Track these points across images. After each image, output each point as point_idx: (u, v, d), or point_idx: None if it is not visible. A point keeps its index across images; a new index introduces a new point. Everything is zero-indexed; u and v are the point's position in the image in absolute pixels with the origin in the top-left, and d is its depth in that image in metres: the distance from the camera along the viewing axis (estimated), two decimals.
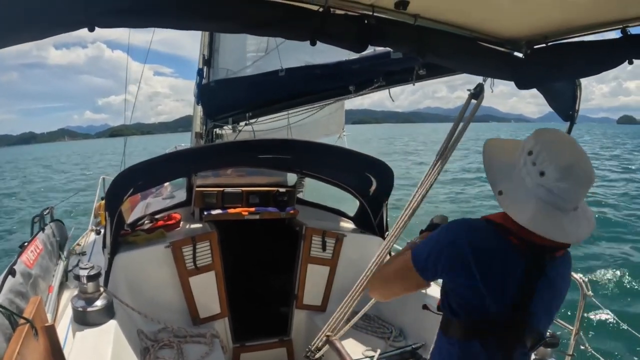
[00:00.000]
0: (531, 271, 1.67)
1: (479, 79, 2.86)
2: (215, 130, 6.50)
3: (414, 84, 3.96)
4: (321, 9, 1.84)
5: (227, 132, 6.57)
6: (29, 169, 53.70)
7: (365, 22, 1.97)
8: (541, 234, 1.60)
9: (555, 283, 1.73)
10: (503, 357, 1.71)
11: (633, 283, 9.35)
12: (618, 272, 9.91)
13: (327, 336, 3.35)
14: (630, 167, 33.25)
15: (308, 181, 5.69)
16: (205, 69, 6.44)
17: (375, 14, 1.97)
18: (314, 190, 6.05)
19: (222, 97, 5.71)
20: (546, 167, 1.58)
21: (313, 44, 1.87)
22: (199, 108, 6.43)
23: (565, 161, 1.57)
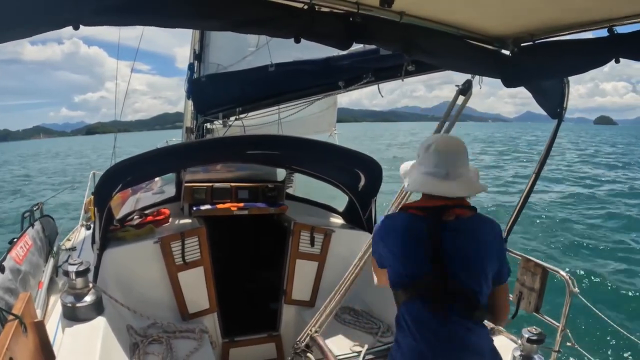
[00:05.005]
0: (433, 228, 2.09)
1: (462, 77, 2.88)
2: (205, 125, 6.50)
3: (402, 80, 3.97)
4: (306, 7, 1.85)
5: (217, 127, 6.56)
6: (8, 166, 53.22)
7: (351, 19, 1.98)
8: (420, 190, 2.24)
9: (464, 237, 2.10)
10: (435, 310, 2.04)
11: (619, 280, 9.41)
12: (604, 270, 9.98)
13: (310, 334, 3.37)
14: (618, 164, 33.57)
15: (301, 177, 5.69)
16: (196, 63, 6.44)
17: (360, 12, 1.97)
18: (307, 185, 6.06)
19: (213, 92, 5.69)
20: (420, 152, 2.25)
21: (297, 41, 1.88)
22: (190, 103, 6.41)
23: (427, 143, 2.23)
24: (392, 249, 2.19)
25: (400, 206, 3.22)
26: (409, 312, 2.10)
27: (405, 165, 2.39)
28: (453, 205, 2.14)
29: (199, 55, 6.46)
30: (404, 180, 2.34)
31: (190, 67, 6.33)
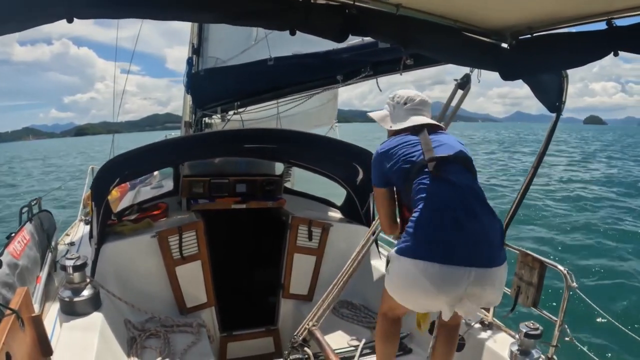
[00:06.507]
0: (424, 137, 2.72)
1: (456, 76, 2.89)
2: (204, 119, 6.48)
3: (401, 74, 3.96)
4: None
5: (216, 122, 6.55)
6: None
7: (347, 11, 1.96)
8: (417, 123, 2.80)
9: (443, 138, 2.76)
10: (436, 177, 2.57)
11: (617, 275, 9.39)
12: (603, 264, 9.95)
13: (307, 328, 3.37)
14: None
15: (300, 171, 5.68)
16: (194, 58, 6.41)
17: (356, 4, 1.96)
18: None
19: (211, 86, 5.68)
20: (404, 100, 2.90)
21: (293, 34, 1.87)
22: (188, 97, 6.39)
23: (408, 94, 2.92)
24: (395, 158, 2.70)
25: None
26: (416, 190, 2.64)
27: (379, 115, 3.02)
28: (434, 127, 2.85)
29: (197, 49, 6.43)
30: (385, 124, 2.96)
31: (189, 61, 6.30)
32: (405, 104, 2.88)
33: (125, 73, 7.50)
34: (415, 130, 2.78)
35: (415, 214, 2.50)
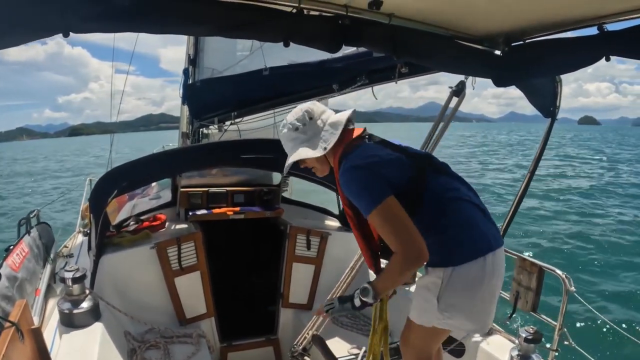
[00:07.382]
0: (382, 141, 2.45)
1: (451, 78, 2.89)
2: (201, 130, 6.49)
3: (396, 82, 3.96)
4: (294, 10, 1.85)
5: (213, 132, 6.56)
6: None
7: (339, 22, 1.98)
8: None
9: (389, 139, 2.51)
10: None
11: (615, 279, 9.39)
12: (601, 268, 9.96)
13: (314, 334, 3.37)
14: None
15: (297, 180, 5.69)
16: (190, 68, 6.43)
17: (349, 14, 1.98)
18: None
19: (208, 97, 5.69)
20: (325, 118, 2.46)
21: (287, 45, 1.88)
22: (185, 108, 6.40)
23: (305, 114, 2.48)
24: (386, 169, 2.26)
25: None
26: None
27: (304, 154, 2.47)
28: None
29: (193, 60, 6.45)
30: (320, 148, 2.43)
31: (185, 72, 6.32)
32: (305, 133, 2.47)
33: (120, 73, 7.60)
34: (359, 137, 2.46)
35: (454, 215, 2.27)
